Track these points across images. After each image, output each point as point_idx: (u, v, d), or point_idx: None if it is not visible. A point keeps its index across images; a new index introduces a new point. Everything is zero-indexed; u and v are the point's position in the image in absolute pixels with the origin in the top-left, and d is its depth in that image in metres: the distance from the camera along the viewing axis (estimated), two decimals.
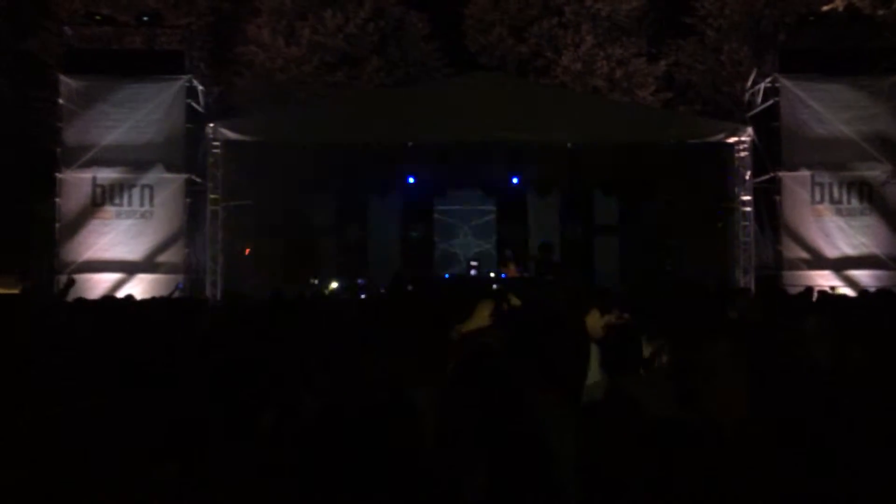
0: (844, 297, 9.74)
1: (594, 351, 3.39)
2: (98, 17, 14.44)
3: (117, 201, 13.13)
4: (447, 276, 15.80)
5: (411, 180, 15.67)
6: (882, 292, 7.86)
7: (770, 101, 13.42)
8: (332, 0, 18.34)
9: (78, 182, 13.08)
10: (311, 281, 13.93)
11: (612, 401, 2.46)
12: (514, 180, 15.87)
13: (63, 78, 13.21)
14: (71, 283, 10.45)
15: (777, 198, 13.23)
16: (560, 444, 2.05)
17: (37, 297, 10.89)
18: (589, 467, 2.04)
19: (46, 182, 13.46)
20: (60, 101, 13.16)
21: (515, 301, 4.18)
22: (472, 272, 14.86)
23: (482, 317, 3.76)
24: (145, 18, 14.40)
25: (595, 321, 3.78)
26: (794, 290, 11.46)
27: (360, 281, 14.77)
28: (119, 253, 13.01)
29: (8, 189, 16.34)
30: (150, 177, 13.16)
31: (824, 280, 12.53)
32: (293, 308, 6.58)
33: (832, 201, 13.14)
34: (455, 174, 15.11)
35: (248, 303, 7.88)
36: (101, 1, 16.30)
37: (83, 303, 7.56)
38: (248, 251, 14.47)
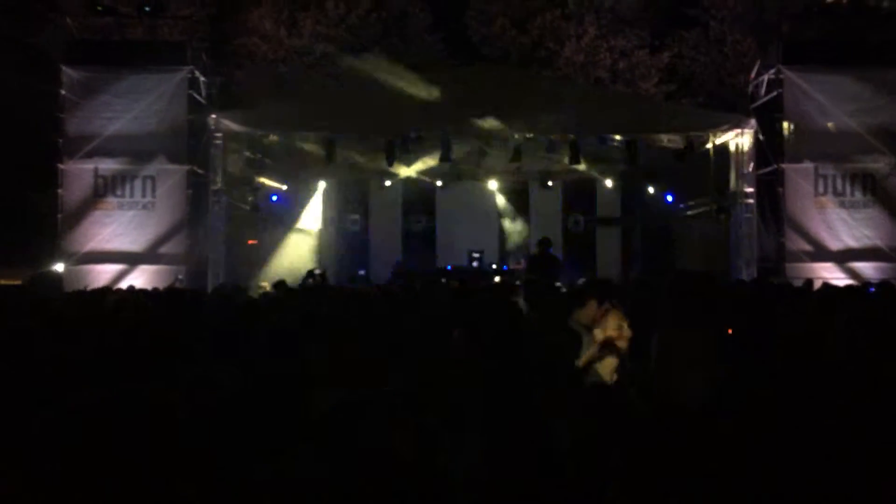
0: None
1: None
2: (100, 8, 14.33)
3: (119, 192, 13.09)
4: (449, 267, 15.80)
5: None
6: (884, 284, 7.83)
7: (774, 93, 13.32)
8: None
9: (80, 173, 13.04)
10: (314, 271, 13.91)
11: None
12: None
13: (65, 68, 13.14)
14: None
15: (780, 189, 13.16)
16: None
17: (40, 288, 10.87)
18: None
19: (48, 173, 13.44)
20: (62, 91, 13.09)
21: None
22: (474, 263, 14.85)
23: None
24: (147, 9, 14.31)
25: (591, 311, 3.84)
26: (797, 283, 11.43)
27: (360, 272, 14.78)
28: (121, 244, 12.99)
29: (10, 180, 16.32)
30: (152, 168, 13.12)
31: (827, 272, 12.49)
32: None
33: (835, 193, 13.09)
34: (457, 165, 15.06)
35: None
36: None
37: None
38: (252, 242, 14.47)
